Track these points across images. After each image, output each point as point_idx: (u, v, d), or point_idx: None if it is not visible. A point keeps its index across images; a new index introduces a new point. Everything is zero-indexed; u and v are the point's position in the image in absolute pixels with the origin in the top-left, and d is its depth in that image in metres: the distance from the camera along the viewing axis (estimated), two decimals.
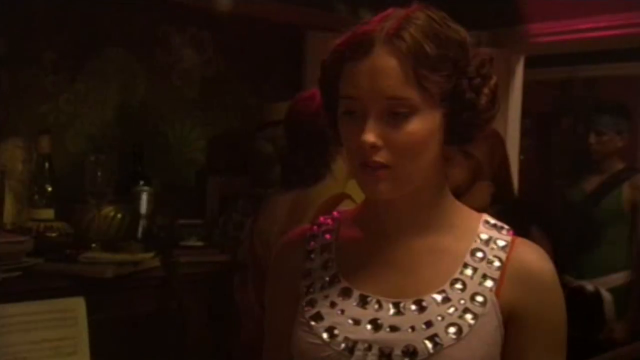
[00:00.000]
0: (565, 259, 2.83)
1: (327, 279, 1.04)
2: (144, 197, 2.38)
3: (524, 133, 3.68)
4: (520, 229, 1.06)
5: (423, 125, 0.94)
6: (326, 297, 1.02)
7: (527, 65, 3.50)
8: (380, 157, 0.94)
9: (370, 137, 0.93)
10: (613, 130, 3.06)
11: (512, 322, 0.98)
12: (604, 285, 2.97)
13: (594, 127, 3.09)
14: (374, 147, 0.93)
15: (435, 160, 0.99)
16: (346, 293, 1.01)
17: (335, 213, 1.13)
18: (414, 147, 0.95)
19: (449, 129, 0.97)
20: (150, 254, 2.10)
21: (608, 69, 4.40)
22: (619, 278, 3.01)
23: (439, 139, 0.97)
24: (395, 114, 0.93)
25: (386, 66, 0.93)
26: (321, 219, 1.12)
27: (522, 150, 3.77)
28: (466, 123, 0.97)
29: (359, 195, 1.10)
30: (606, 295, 2.93)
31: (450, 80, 0.94)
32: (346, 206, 1.60)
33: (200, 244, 2.39)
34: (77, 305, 1.75)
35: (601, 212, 3.04)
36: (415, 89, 0.92)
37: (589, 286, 2.93)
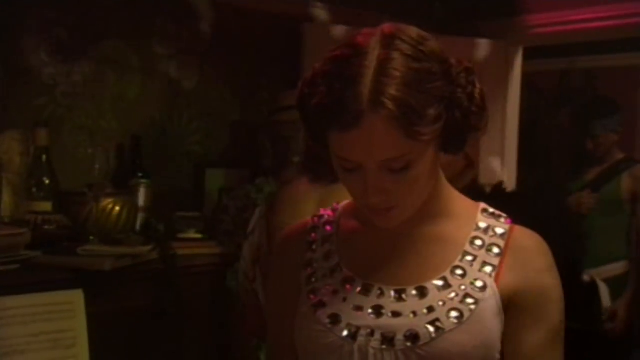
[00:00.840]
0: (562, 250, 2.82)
1: (329, 268, 1.05)
2: (142, 190, 2.38)
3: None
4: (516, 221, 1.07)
5: (422, 167, 0.96)
6: (329, 285, 1.03)
7: (525, 57, 3.49)
8: (386, 204, 0.97)
9: (374, 199, 0.95)
10: (606, 131, 3.07)
11: (511, 307, 1.00)
12: (600, 276, 2.97)
13: (589, 134, 3.10)
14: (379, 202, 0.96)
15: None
16: (348, 282, 1.03)
17: (335, 205, 1.13)
18: (417, 186, 0.97)
19: (443, 144, 0.99)
20: (149, 247, 2.10)
21: (607, 60, 4.39)
22: (616, 268, 3.01)
23: (436, 156, 0.99)
24: (395, 166, 0.93)
25: (377, 135, 0.90)
26: (321, 210, 1.14)
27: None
28: (458, 140, 0.99)
29: None
30: (602, 286, 2.93)
31: (441, 117, 0.94)
32: None
33: (199, 236, 2.38)
34: (76, 298, 1.75)
35: (599, 202, 3.04)
36: (409, 144, 0.92)
37: (585, 276, 2.92)
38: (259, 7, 2.83)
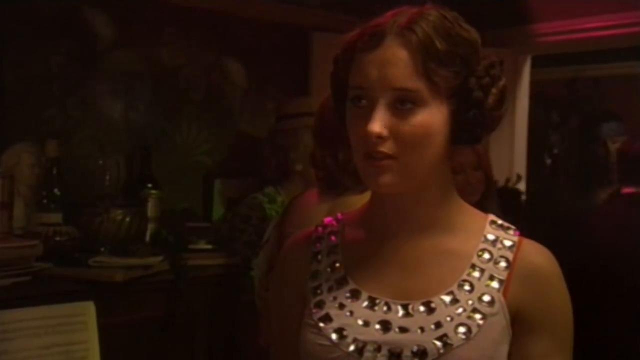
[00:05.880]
0: None
1: (335, 280, 1.04)
2: (152, 201, 2.38)
3: None
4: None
5: (430, 118, 0.95)
6: (334, 298, 1.02)
7: (533, 65, 3.49)
8: (385, 148, 0.94)
9: (376, 126, 0.93)
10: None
11: (518, 322, 0.99)
12: None
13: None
14: (379, 138, 0.94)
15: (441, 159, 0.99)
16: (355, 295, 1.02)
17: (339, 215, 1.13)
18: (419, 140, 0.95)
19: (456, 127, 0.98)
20: (159, 258, 2.10)
21: (614, 69, 4.38)
22: None
23: (445, 135, 0.98)
24: (403, 105, 0.94)
25: (396, 57, 0.93)
26: (326, 220, 1.12)
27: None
28: (473, 121, 0.98)
29: None
30: None
31: (459, 76, 0.95)
32: None
33: (208, 247, 2.38)
34: (87, 310, 1.75)
35: None
36: (424, 81, 0.93)
37: None
38: (266, 17, 2.84)
